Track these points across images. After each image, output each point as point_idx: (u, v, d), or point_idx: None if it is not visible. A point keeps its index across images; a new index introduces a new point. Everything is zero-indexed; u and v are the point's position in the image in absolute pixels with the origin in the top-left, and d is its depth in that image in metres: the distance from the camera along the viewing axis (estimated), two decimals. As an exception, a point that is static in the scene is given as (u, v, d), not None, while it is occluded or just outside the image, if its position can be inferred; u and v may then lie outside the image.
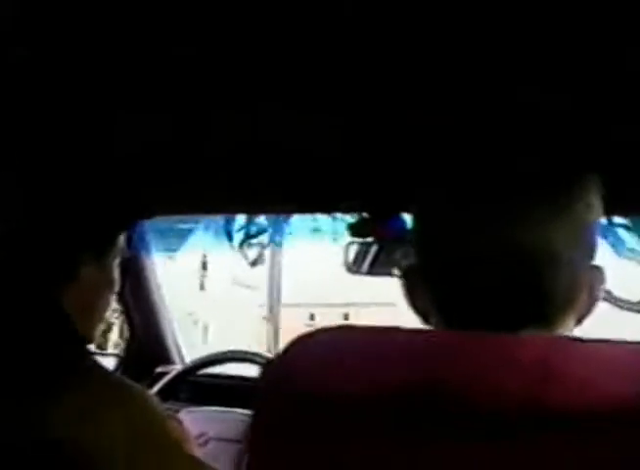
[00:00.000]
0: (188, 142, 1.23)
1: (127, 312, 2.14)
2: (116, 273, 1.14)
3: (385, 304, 9.76)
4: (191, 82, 0.97)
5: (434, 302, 0.71)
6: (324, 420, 0.60)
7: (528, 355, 0.57)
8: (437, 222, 0.70)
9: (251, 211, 1.79)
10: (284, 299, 9.96)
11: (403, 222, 1.44)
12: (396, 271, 1.60)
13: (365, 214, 1.45)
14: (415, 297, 0.75)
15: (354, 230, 1.47)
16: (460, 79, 0.85)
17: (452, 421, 0.56)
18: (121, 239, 1.16)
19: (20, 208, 1.03)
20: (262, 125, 1.12)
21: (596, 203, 0.69)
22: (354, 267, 1.66)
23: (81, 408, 0.91)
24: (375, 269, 1.64)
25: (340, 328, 0.70)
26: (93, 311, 1.11)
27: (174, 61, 0.90)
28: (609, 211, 0.73)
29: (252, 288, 10.79)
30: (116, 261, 1.14)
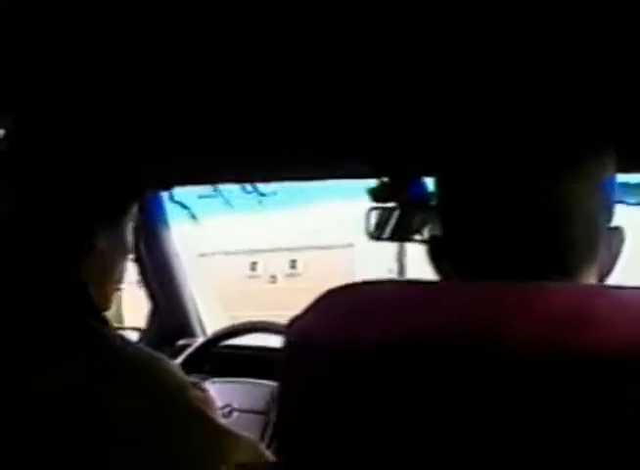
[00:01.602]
0: (189, 135, 1.27)
1: (148, 285, 2.14)
2: (130, 239, 1.14)
3: (341, 246, 9.37)
4: (191, 82, 0.98)
5: (457, 265, 0.72)
6: (352, 371, 0.60)
7: (556, 302, 0.56)
8: (458, 191, 0.71)
9: (268, 179, 1.78)
10: (219, 246, 9.37)
11: (424, 186, 1.41)
12: (418, 237, 1.58)
13: (385, 179, 1.42)
14: (440, 263, 0.76)
15: (375, 195, 1.44)
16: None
17: (480, 368, 0.55)
18: (134, 205, 1.15)
19: (30, 183, 1.02)
20: (263, 123, 1.16)
21: (608, 160, 0.71)
22: (376, 233, 1.63)
23: (101, 378, 0.90)
24: (397, 235, 1.61)
25: (366, 283, 0.71)
26: (109, 280, 1.11)
27: (174, 61, 0.92)
28: (622, 169, 0.75)
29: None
30: (130, 228, 1.13)
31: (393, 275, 10.47)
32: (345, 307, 0.66)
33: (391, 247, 9.94)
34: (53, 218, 1.01)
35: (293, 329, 0.68)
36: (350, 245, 8.55)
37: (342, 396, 0.61)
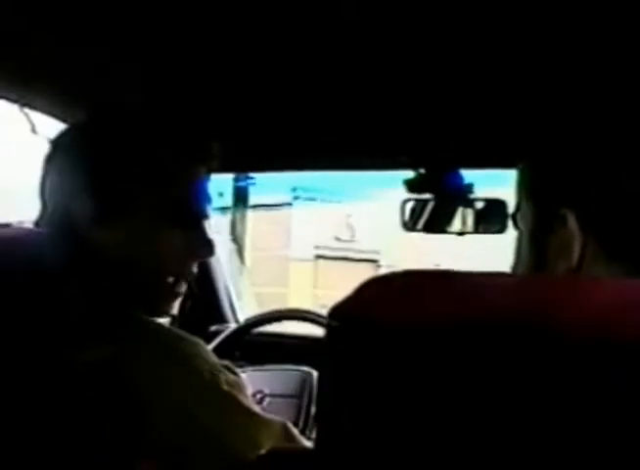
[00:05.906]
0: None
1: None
2: (209, 238, 1.09)
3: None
4: (191, 82, 0.98)
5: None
6: (397, 354, 0.61)
7: (605, 293, 0.57)
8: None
9: (305, 168, 1.78)
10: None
11: (461, 177, 1.40)
12: (452, 228, 1.57)
13: (422, 170, 1.41)
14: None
15: (410, 185, 1.44)
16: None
17: (526, 357, 0.55)
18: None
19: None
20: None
21: None
22: (410, 224, 1.62)
23: (135, 361, 0.91)
24: (432, 226, 1.60)
25: (413, 271, 0.71)
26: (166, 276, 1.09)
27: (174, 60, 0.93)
28: None
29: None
30: (206, 227, 1.09)
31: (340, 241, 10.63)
32: (389, 292, 0.65)
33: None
34: None
35: (338, 315, 0.68)
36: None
37: (403, 378, 0.61)
